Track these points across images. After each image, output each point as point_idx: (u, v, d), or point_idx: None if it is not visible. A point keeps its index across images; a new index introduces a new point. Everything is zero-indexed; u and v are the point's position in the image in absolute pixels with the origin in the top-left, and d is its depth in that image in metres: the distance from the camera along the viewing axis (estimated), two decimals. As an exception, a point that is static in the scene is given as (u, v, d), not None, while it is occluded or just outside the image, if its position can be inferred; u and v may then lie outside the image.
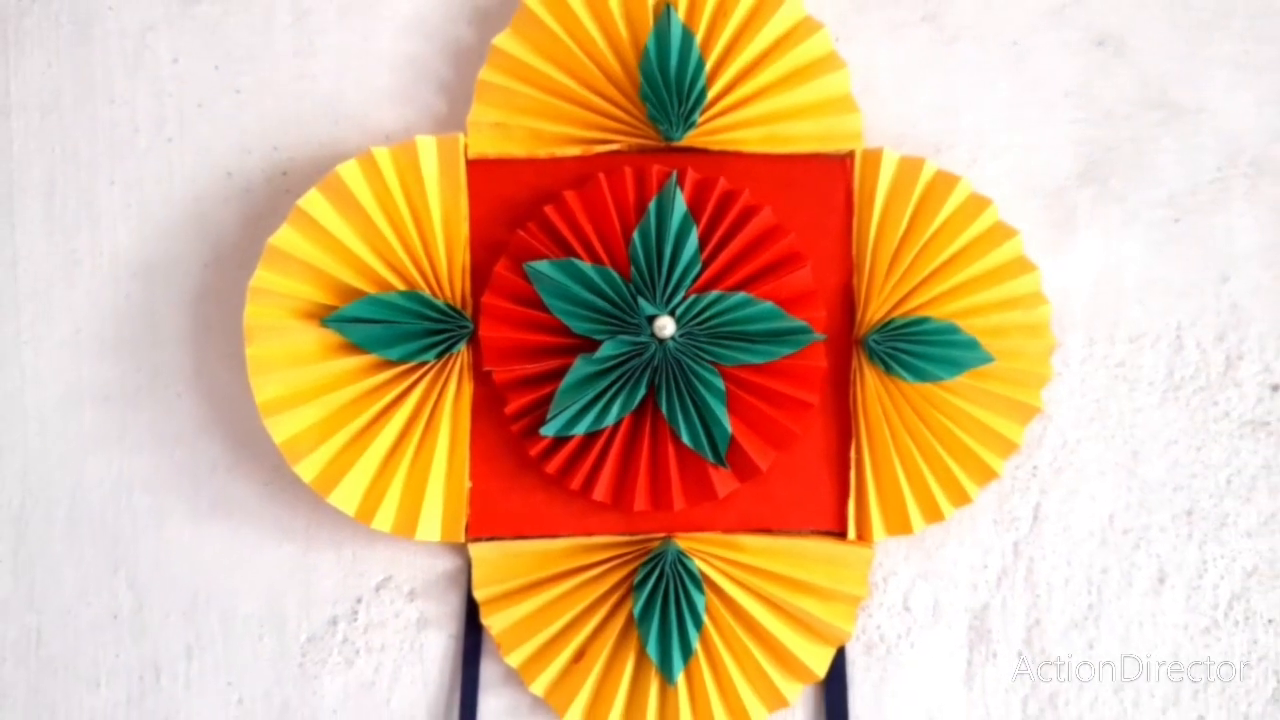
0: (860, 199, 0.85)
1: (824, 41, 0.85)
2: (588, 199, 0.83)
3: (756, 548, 0.84)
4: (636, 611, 0.83)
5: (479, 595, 0.84)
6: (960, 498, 0.84)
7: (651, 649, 0.83)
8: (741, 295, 0.82)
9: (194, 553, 0.88)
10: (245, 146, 0.89)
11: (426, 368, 0.84)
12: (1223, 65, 0.88)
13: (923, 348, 0.83)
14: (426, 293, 0.84)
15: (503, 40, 0.85)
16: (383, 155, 0.83)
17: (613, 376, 0.82)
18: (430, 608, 0.87)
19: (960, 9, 0.88)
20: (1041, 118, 0.88)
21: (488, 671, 0.86)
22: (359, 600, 0.87)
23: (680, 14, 0.84)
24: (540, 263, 0.82)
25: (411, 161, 0.84)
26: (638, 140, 0.84)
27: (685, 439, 0.82)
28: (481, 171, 0.85)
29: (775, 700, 0.84)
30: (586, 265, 0.82)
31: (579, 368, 0.81)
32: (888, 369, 0.83)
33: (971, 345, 0.83)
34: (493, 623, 0.84)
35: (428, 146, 0.84)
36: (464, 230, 0.84)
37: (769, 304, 0.82)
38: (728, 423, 0.82)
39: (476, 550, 0.84)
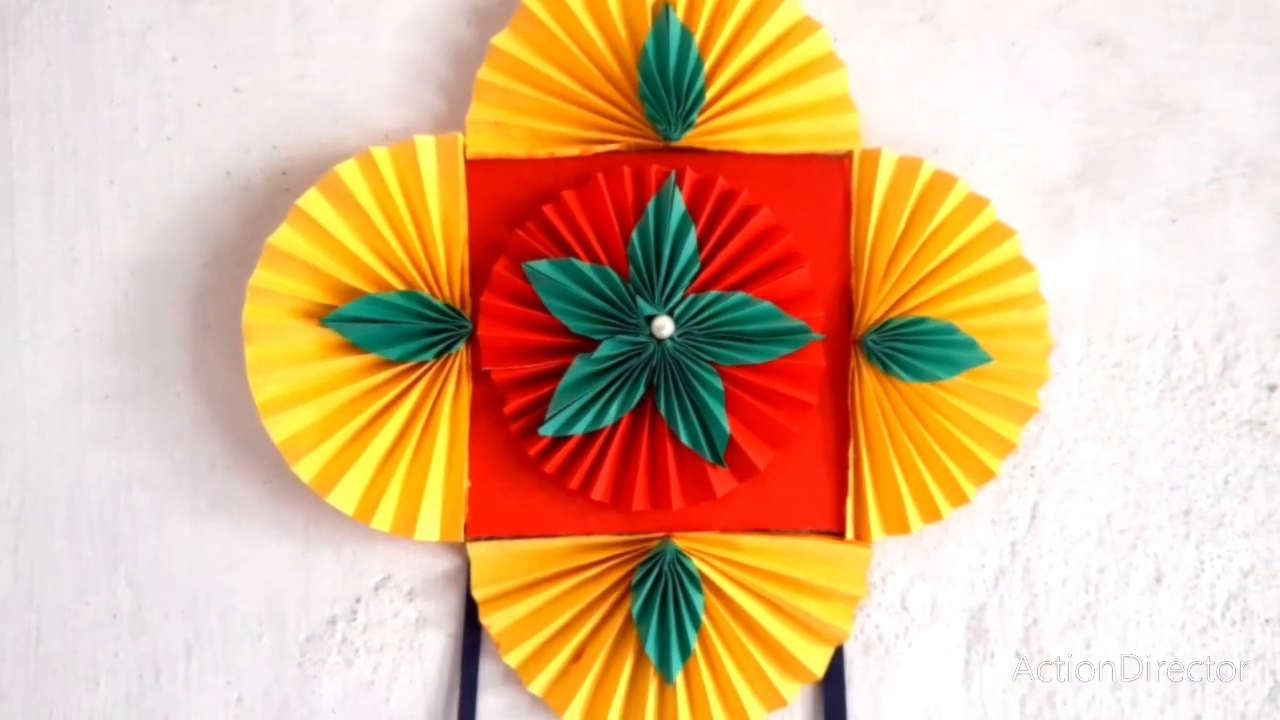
0: (858, 199, 0.85)
1: (822, 41, 0.85)
2: (586, 199, 0.83)
3: (755, 547, 0.84)
4: (635, 611, 0.83)
5: (478, 595, 0.84)
6: (958, 497, 0.84)
7: (650, 648, 0.83)
8: (740, 295, 0.82)
9: (193, 552, 0.88)
10: (244, 146, 0.89)
11: (425, 367, 0.84)
12: (1221, 65, 0.88)
13: (921, 348, 0.83)
14: (425, 292, 0.84)
15: (502, 40, 0.85)
16: (382, 155, 0.83)
17: (611, 376, 0.82)
18: (429, 607, 0.87)
19: (958, 9, 0.88)
20: (1039, 118, 0.88)
21: (486, 671, 0.86)
22: (358, 599, 0.87)
23: (679, 14, 0.84)
24: (539, 262, 0.82)
25: (410, 161, 0.84)
26: (636, 140, 0.84)
27: (684, 439, 0.82)
28: (480, 171, 0.85)
29: (773, 700, 0.84)
30: (585, 265, 0.82)
31: (578, 367, 0.81)
32: (886, 369, 0.83)
33: (969, 345, 0.83)
34: (492, 622, 0.84)
35: (427, 146, 0.84)
36: (463, 230, 0.84)
37: (767, 304, 0.82)
38: (726, 422, 0.82)
39: (475, 550, 0.84)
